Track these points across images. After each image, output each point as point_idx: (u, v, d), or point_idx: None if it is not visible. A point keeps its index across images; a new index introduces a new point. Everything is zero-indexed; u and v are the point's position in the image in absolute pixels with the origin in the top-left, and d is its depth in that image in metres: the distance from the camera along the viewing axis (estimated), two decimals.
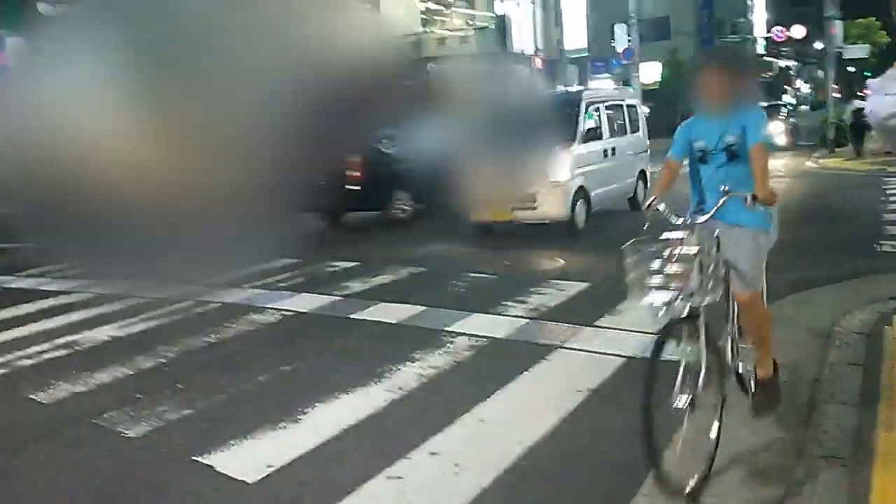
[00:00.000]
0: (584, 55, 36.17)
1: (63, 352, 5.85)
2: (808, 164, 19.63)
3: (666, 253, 3.04)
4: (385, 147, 12.02)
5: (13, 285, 8.91)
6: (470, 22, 29.93)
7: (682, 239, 3.08)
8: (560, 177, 9.49)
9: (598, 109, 10.71)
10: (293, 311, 6.71)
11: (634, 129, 11.91)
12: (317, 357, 5.46)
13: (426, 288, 7.41)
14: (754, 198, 3.15)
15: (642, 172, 11.88)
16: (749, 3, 49.06)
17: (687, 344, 3.08)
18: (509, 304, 6.46)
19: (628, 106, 11.91)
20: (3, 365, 5.60)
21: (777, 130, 22.92)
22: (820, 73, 46.12)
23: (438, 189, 10.07)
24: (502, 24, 28.73)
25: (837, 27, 23.57)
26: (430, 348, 5.33)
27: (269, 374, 5.03)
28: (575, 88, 12.47)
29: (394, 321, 6.15)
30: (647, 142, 12.38)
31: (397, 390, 4.55)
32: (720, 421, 3.29)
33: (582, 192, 9.78)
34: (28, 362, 5.63)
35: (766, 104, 24.69)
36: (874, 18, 50.73)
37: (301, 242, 11.43)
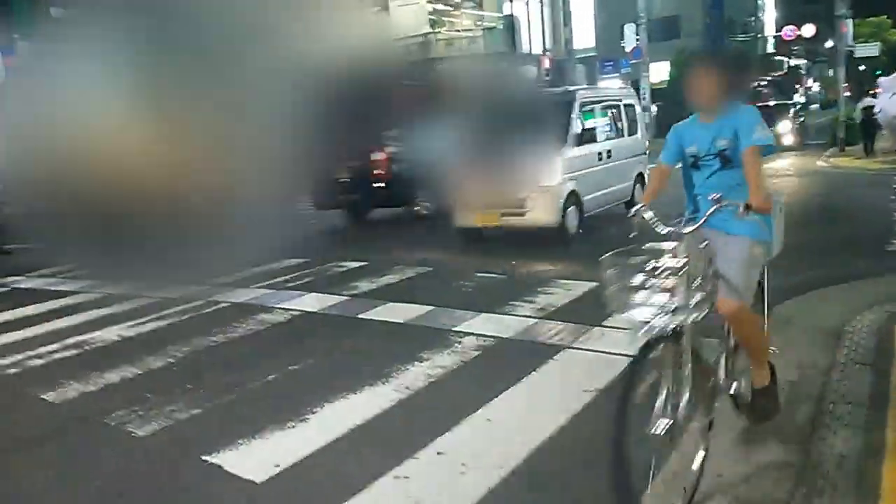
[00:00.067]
0: (592, 55, 36.14)
1: (73, 351, 5.89)
2: (819, 163, 19.52)
3: (650, 265, 2.82)
4: (406, 146, 12.20)
5: (23, 285, 8.98)
6: (478, 22, 29.94)
7: (669, 250, 2.87)
8: (550, 181, 9.03)
9: (592, 110, 10.30)
10: (302, 310, 6.73)
11: (632, 131, 11.39)
12: (325, 357, 5.47)
13: (434, 288, 7.41)
14: (748, 207, 2.92)
15: (640, 176, 11.32)
16: (759, 1, 48.88)
17: (669, 364, 2.85)
18: (517, 303, 6.45)
19: (626, 105, 11.34)
20: (14, 364, 5.64)
21: (785, 130, 22.80)
22: (830, 72, 45.87)
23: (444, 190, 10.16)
24: (511, 25, 28.70)
25: (848, 25, 23.44)
26: (437, 348, 5.33)
27: (278, 374, 5.05)
28: (568, 88, 12.06)
29: (402, 321, 6.16)
30: (647, 143, 11.99)
31: (405, 390, 4.56)
32: (706, 448, 3.08)
33: (574, 198, 9.32)
34: (38, 362, 5.67)
35: (774, 103, 24.57)
36: (885, 17, 50.47)
37: (318, 240, 11.57)
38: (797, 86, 47.40)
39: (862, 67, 41.55)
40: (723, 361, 3.32)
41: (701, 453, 3.06)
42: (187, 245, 9.00)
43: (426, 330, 5.85)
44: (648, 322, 2.76)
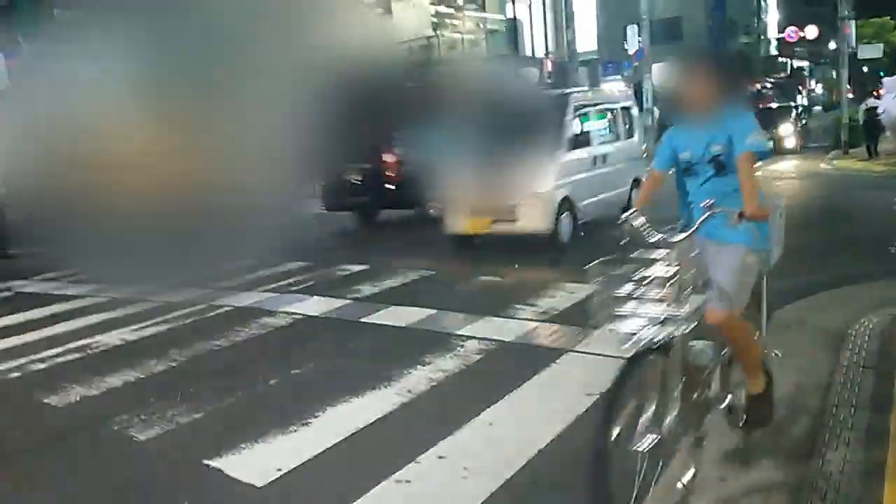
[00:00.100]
0: (594, 57, 36.12)
1: (75, 355, 5.89)
2: (822, 165, 19.50)
3: (638, 275, 2.72)
4: (416, 147, 12.27)
5: (27, 289, 8.99)
6: (481, 25, 29.96)
7: (659, 258, 2.76)
8: (542, 187, 8.73)
9: (587, 113, 9.97)
10: (304, 314, 6.73)
11: (629, 134, 11.04)
12: (327, 360, 5.47)
13: (436, 291, 7.40)
14: (741, 215, 2.80)
15: (636, 181, 10.72)
16: (762, 3, 48.86)
17: (658, 377, 2.74)
18: (519, 307, 6.44)
19: (622, 108, 11.00)
20: (17, 368, 5.65)
21: (787, 132, 22.77)
22: (833, 74, 45.83)
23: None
24: (513, 27, 28.70)
25: (851, 27, 23.42)
26: (439, 352, 5.33)
27: (280, 378, 5.05)
28: (562, 90, 11.75)
29: (404, 324, 6.15)
30: (644, 146, 11.78)
31: (406, 394, 4.55)
32: (696, 466, 2.94)
33: (567, 204, 8.98)
34: (41, 366, 5.68)
35: (776, 105, 24.53)
36: (888, 18, 50.44)
37: (326, 242, 11.60)
38: (800, 88, 47.37)
39: (865, 69, 41.55)
40: (717, 373, 3.19)
41: (690, 471, 2.93)
42: (190, 248, 9.02)
43: (428, 333, 5.85)
44: (635, 334, 2.67)
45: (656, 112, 24.32)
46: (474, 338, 5.62)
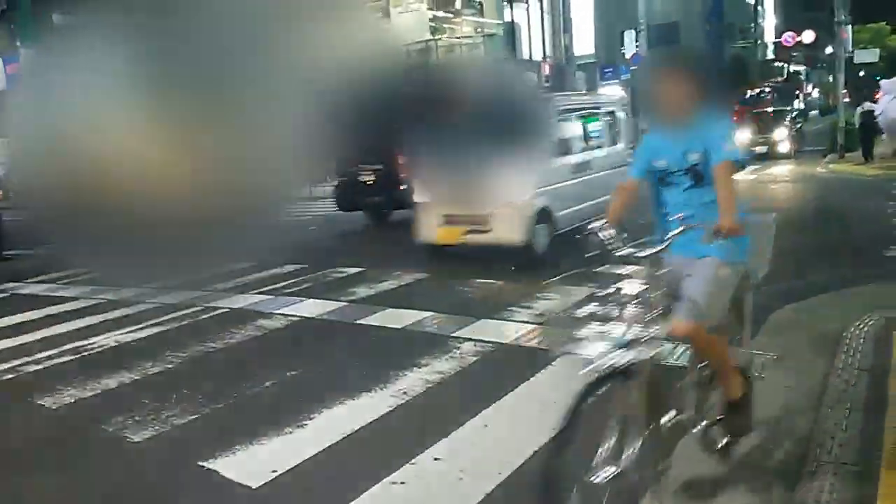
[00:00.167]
0: (592, 61, 36.20)
1: (71, 357, 5.88)
2: (818, 169, 19.53)
3: (603, 292, 2.56)
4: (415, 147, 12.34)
5: (23, 291, 8.98)
6: (479, 29, 29.98)
7: (625, 275, 2.59)
8: (517, 197, 8.22)
9: (569, 118, 9.48)
10: (300, 316, 6.73)
11: (613, 141, 10.48)
12: (323, 362, 5.47)
13: (432, 293, 7.41)
14: (717, 231, 2.61)
15: None
16: (759, 8, 49.01)
17: (620, 404, 2.53)
18: (515, 309, 6.44)
19: (607, 114, 10.50)
20: (12, 370, 5.63)
21: (781, 137, 22.82)
22: (830, 78, 45.98)
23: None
24: (511, 32, 28.78)
25: (847, 31, 23.48)
26: (435, 354, 5.33)
27: (275, 380, 5.04)
28: (543, 95, 11.23)
29: (399, 326, 6.15)
30: (629, 152, 11.57)
31: (402, 396, 4.55)
32: (659, 500, 2.72)
33: (545, 214, 8.49)
34: (36, 367, 5.67)
35: (772, 110, 24.57)
36: (884, 23, 50.63)
37: (325, 244, 11.62)
38: (797, 92, 47.51)
39: (861, 73, 41.68)
40: (691, 395, 3.01)
41: None
42: (188, 251, 9.01)
43: (424, 336, 5.85)
44: (594, 360, 2.46)
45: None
46: (470, 340, 5.62)
